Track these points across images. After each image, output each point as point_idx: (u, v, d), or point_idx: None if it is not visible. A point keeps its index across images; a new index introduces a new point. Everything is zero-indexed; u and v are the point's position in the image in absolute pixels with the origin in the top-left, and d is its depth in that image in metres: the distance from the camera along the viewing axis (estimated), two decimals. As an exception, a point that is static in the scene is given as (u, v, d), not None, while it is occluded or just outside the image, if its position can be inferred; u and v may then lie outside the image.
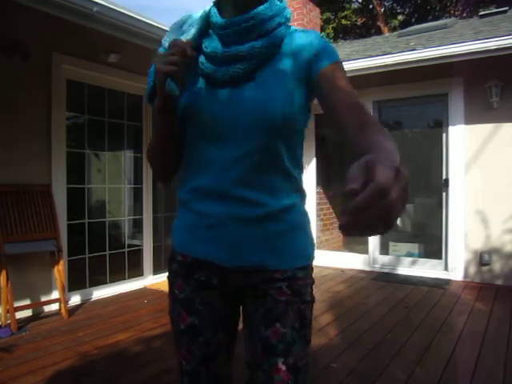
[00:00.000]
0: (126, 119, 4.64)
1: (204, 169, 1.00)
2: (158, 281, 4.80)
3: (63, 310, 3.55)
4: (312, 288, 1.04)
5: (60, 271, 3.59)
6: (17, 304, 3.34)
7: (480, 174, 4.71)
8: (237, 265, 0.98)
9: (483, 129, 4.70)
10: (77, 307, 3.86)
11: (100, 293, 4.22)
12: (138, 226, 5.07)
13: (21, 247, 3.36)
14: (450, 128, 4.89)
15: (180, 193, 1.07)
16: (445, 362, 2.67)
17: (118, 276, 4.51)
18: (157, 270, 4.90)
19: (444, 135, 5.00)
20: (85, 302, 4.02)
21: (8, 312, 3.23)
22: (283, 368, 0.93)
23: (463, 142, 4.81)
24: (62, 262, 3.62)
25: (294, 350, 0.95)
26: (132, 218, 5.16)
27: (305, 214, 1.07)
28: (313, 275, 1.06)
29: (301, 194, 1.06)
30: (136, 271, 4.72)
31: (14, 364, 2.64)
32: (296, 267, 1.00)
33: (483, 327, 3.33)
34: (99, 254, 4.40)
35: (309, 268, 1.04)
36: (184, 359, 1.05)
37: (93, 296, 4.16)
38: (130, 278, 4.61)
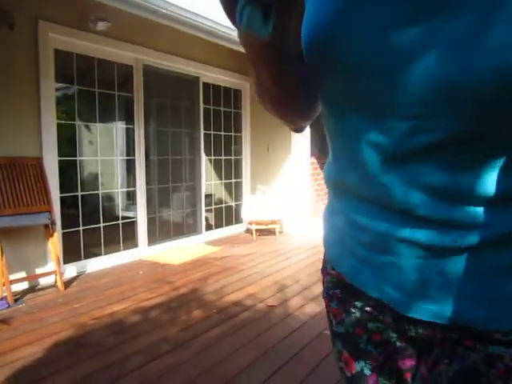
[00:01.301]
0: (116, 90, 4.55)
1: (356, 161, 0.60)
2: (153, 252, 4.82)
3: (59, 282, 3.56)
4: None
5: (54, 244, 3.59)
6: (12, 277, 3.35)
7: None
8: (425, 317, 0.58)
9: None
10: (72, 279, 3.88)
11: (95, 265, 4.24)
12: (131, 198, 5.06)
13: (13, 221, 3.34)
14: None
15: (324, 170, 0.74)
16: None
17: (112, 248, 4.52)
18: (151, 242, 4.92)
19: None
20: (80, 274, 4.04)
21: (4, 285, 3.24)
22: None
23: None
24: (55, 235, 3.62)
25: None
26: (125, 190, 5.15)
27: None
28: None
29: None
30: (130, 243, 4.73)
31: (12, 335, 2.67)
32: None
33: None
34: (93, 226, 4.40)
35: None
36: None
37: (88, 268, 4.18)
38: (124, 249, 4.62)
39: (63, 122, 4.09)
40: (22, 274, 3.57)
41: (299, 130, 0.82)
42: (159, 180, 5.28)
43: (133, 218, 4.81)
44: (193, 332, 2.71)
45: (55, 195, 3.79)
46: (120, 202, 4.93)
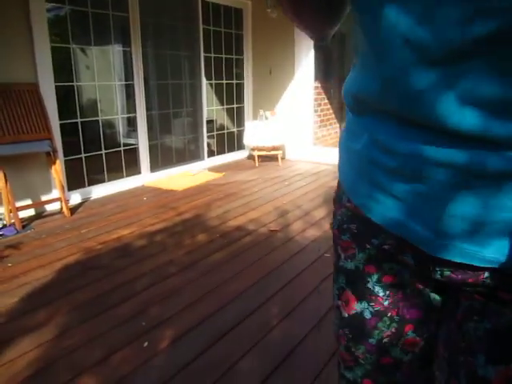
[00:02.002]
0: (110, 9, 4.31)
1: (377, 60, 0.51)
2: (156, 179, 4.86)
3: (65, 209, 3.63)
4: None
5: (57, 171, 3.60)
6: (18, 204, 3.40)
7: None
8: (456, 257, 0.51)
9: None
10: (77, 206, 3.95)
11: (99, 191, 4.29)
12: (132, 124, 5.00)
13: (14, 148, 3.32)
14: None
15: (344, 85, 0.63)
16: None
17: (115, 175, 4.55)
18: (154, 168, 4.94)
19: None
20: (85, 201, 4.11)
21: (11, 212, 3.31)
22: None
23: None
24: (58, 162, 3.62)
25: None
26: (126, 116, 5.07)
27: None
28: None
29: None
30: (133, 169, 4.75)
31: (23, 260, 2.77)
32: None
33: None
34: (95, 153, 4.39)
35: None
36: (343, 360, 0.71)
37: (92, 195, 4.23)
38: (127, 176, 4.65)
39: (57, 45, 3.93)
40: (28, 202, 3.63)
41: (321, 40, 0.70)
42: (159, 106, 5.18)
43: (134, 144, 4.79)
44: (197, 255, 2.80)
45: (55, 122, 3.74)
46: (121, 128, 4.88)
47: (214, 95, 6.03)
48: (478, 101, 0.43)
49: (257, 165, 5.70)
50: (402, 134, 0.50)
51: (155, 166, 4.99)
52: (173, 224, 3.41)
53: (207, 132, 5.75)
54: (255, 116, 6.18)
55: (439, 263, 0.54)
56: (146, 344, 1.87)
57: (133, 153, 4.77)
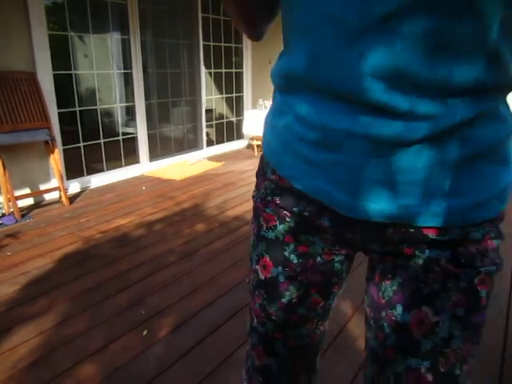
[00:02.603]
0: (108, -4, 4.27)
1: (304, 38, 0.56)
2: (155, 168, 4.85)
3: (63, 198, 3.63)
4: (498, 253, 0.61)
5: (56, 160, 3.60)
6: (17, 193, 3.40)
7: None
8: (364, 215, 0.58)
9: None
10: (76, 195, 3.95)
11: (98, 180, 4.29)
12: (130, 113, 4.98)
13: (13, 137, 3.31)
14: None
15: (273, 69, 0.68)
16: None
17: (114, 164, 4.54)
18: (153, 158, 4.93)
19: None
20: (84, 190, 4.10)
21: (9, 200, 3.31)
22: (429, 378, 0.59)
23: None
24: (57, 151, 3.61)
25: (449, 351, 0.59)
26: (124, 105, 5.05)
27: (505, 122, 0.57)
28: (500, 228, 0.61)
29: (510, 88, 0.56)
30: (132, 159, 4.74)
31: (23, 248, 2.78)
32: (472, 223, 0.57)
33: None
34: (94, 142, 4.37)
35: (496, 221, 0.60)
36: (256, 316, 0.79)
37: (91, 184, 4.23)
38: (126, 165, 4.64)
39: (55, 33, 3.89)
40: (27, 191, 3.63)
41: (258, 35, 0.80)
42: (158, 94, 5.15)
43: (133, 133, 4.77)
44: (196, 244, 2.81)
45: (53, 111, 3.72)
46: (119, 117, 4.85)
47: (213, 84, 5.99)
48: (384, 74, 0.49)
49: (256, 154, 5.69)
50: (324, 108, 0.56)
51: (154, 155, 4.98)
52: (172, 213, 3.42)
53: (206, 121, 5.73)
54: (254, 105, 6.16)
55: (352, 224, 0.62)
56: (145, 332, 1.88)
57: (131, 142, 4.75)
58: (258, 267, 0.76)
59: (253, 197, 0.79)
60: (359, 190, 0.57)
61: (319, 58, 0.54)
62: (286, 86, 0.64)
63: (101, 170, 4.41)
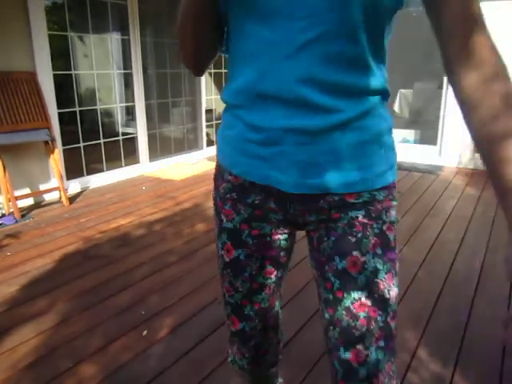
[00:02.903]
0: (109, -4, 4.27)
1: (253, 61, 0.75)
2: (155, 168, 4.85)
3: (63, 198, 3.63)
4: (395, 210, 0.85)
5: (56, 160, 3.60)
6: (17, 193, 3.40)
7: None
8: (302, 190, 0.79)
9: (497, 7, 4.38)
10: (76, 195, 3.95)
11: (98, 181, 4.29)
12: (130, 113, 4.98)
13: (13, 137, 3.31)
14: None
15: (224, 93, 0.86)
16: (431, 243, 2.83)
17: (114, 164, 4.54)
18: (153, 158, 4.93)
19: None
20: (84, 190, 4.10)
21: (9, 201, 3.31)
22: (368, 303, 0.79)
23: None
24: (56, 151, 3.61)
25: (378, 281, 0.79)
26: (124, 105, 5.05)
27: (386, 119, 0.82)
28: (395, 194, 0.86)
29: (383, 93, 0.80)
30: (132, 159, 4.74)
31: (23, 249, 2.78)
32: (376, 188, 0.81)
33: (470, 211, 3.46)
34: (94, 142, 4.37)
35: (391, 187, 0.84)
36: (227, 291, 1.00)
37: (91, 184, 4.23)
38: (126, 165, 4.64)
39: (55, 33, 3.89)
40: (27, 191, 3.63)
41: (199, 70, 0.97)
42: (158, 95, 5.15)
43: (133, 133, 4.77)
44: (196, 244, 2.81)
45: (53, 111, 3.72)
46: (119, 117, 4.85)
47: (213, 84, 5.99)
48: (306, 80, 0.71)
49: (256, 155, 5.68)
50: (266, 114, 0.76)
51: (154, 155, 4.97)
52: (172, 213, 3.42)
53: (206, 121, 5.73)
54: (254, 106, 6.14)
55: (293, 200, 0.82)
56: (145, 332, 1.88)
57: (131, 142, 4.75)
58: (223, 252, 0.98)
59: (213, 197, 1.00)
60: (297, 171, 0.77)
61: (266, 73, 0.74)
62: (238, 101, 0.81)
63: (101, 170, 4.40)
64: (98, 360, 1.71)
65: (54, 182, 3.75)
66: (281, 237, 0.94)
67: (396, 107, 6.19)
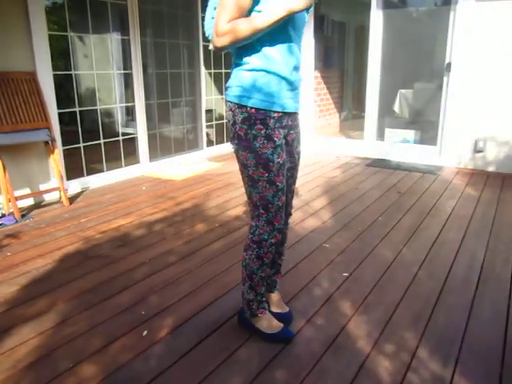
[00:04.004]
0: (109, -3, 4.27)
1: (292, 52, 1.58)
2: (155, 168, 4.85)
3: (64, 198, 3.63)
4: None
5: (56, 160, 3.60)
6: (17, 193, 3.40)
7: (485, 59, 4.51)
8: (294, 110, 1.70)
9: (496, 7, 4.38)
10: (76, 195, 3.95)
11: (98, 181, 4.29)
12: (130, 113, 4.97)
13: (13, 138, 3.31)
14: (459, 5, 4.56)
15: (274, 61, 1.55)
16: (431, 243, 2.83)
17: (114, 164, 4.54)
18: (153, 158, 4.93)
19: (451, 14, 4.68)
20: (84, 190, 4.10)
21: (9, 201, 3.31)
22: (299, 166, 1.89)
23: (471, 21, 4.52)
24: (56, 151, 3.61)
25: (298, 169, 1.88)
26: (124, 105, 5.04)
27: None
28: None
29: None
30: (132, 159, 4.74)
31: (23, 249, 2.78)
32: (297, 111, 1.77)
33: (471, 211, 3.46)
34: (94, 142, 4.37)
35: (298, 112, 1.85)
36: (280, 182, 1.64)
37: (91, 184, 4.23)
38: (126, 165, 4.64)
39: (55, 33, 3.89)
40: (27, 191, 3.63)
41: (225, 50, 1.54)
42: (158, 95, 5.15)
43: (133, 134, 4.77)
44: (196, 245, 2.81)
45: (53, 111, 3.72)
46: (119, 117, 4.85)
47: (213, 84, 5.99)
48: (297, 67, 1.64)
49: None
50: (292, 78, 1.63)
51: (154, 155, 4.97)
52: (172, 214, 3.42)
53: (206, 122, 5.73)
54: (254, 106, 6.13)
55: (290, 114, 1.69)
56: (145, 333, 1.88)
57: (131, 142, 4.75)
58: (279, 159, 1.62)
59: (259, 132, 1.58)
60: (298, 100, 1.72)
61: (286, 64, 1.60)
62: (291, 71, 1.63)
63: (101, 171, 4.40)
64: (98, 360, 1.71)
65: (54, 182, 3.75)
66: (284, 141, 1.70)
67: (396, 107, 6.19)
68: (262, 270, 1.74)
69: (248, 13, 1.46)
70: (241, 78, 1.56)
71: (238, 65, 1.58)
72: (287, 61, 1.55)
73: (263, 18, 1.41)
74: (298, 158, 1.81)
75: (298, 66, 1.63)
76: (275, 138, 1.57)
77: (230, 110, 1.60)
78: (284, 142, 1.65)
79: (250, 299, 1.81)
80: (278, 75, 1.54)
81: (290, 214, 1.91)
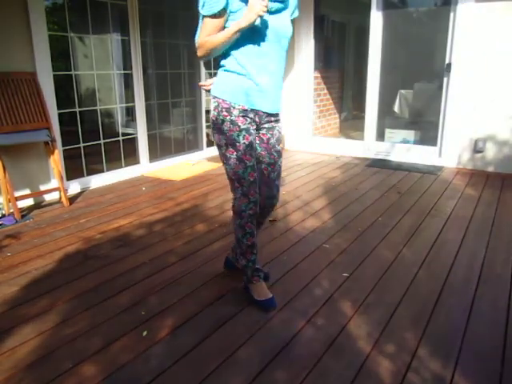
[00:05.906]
0: (109, -3, 4.27)
1: (263, 56, 1.86)
2: (155, 169, 4.85)
3: (63, 199, 3.63)
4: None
5: (56, 161, 3.60)
6: (17, 194, 3.40)
7: (484, 59, 4.51)
8: (270, 111, 1.98)
9: (496, 7, 4.38)
10: (76, 195, 3.95)
11: (98, 181, 4.29)
12: (130, 114, 4.97)
13: (12, 138, 3.31)
14: (459, 6, 4.56)
15: (242, 65, 1.87)
16: (431, 243, 2.83)
17: (114, 164, 4.54)
18: (153, 158, 4.93)
19: (451, 14, 4.68)
20: (84, 191, 4.10)
21: (9, 201, 3.31)
22: (280, 162, 2.13)
23: (471, 22, 4.52)
24: (56, 152, 3.61)
25: (281, 162, 2.14)
26: (124, 105, 5.05)
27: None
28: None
29: None
30: (132, 159, 4.74)
31: (23, 249, 2.78)
32: (278, 112, 2.06)
33: (471, 211, 3.46)
34: (94, 143, 4.37)
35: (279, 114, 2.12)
36: (248, 160, 1.93)
37: (91, 184, 4.23)
38: (126, 166, 4.64)
39: (55, 33, 3.89)
40: (27, 191, 3.63)
41: (206, 59, 1.97)
42: (158, 95, 5.15)
43: (133, 134, 4.77)
44: (196, 245, 2.81)
45: (53, 111, 3.72)
46: (119, 118, 4.85)
47: (212, 85, 5.98)
48: (267, 72, 1.90)
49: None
50: (265, 78, 1.92)
51: (154, 155, 4.97)
52: (172, 214, 3.42)
53: (206, 122, 5.73)
54: (254, 106, 6.13)
55: (265, 115, 1.99)
56: (145, 333, 1.88)
57: (131, 143, 4.75)
58: (244, 140, 1.91)
59: (225, 119, 1.91)
60: (270, 103, 1.96)
61: (264, 64, 1.92)
62: (257, 71, 1.89)
63: (101, 171, 4.41)
64: (98, 360, 1.71)
65: (54, 182, 3.75)
66: (255, 132, 1.99)
67: (396, 107, 6.19)
68: (246, 238, 2.05)
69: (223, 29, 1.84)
70: (219, 76, 1.97)
71: (220, 67, 1.96)
72: (256, 66, 1.87)
73: (222, 33, 1.80)
74: (279, 156, 2.09)
75: (273, 71, 1.91)
76: (240, 124, 1.90)
77: (212, 101, 2.01)
78: (252, 129, 1.95)
79: (244, 265, 2.11)
80: (246, 77, 1.88)
81: (274, 205, 2.19)
